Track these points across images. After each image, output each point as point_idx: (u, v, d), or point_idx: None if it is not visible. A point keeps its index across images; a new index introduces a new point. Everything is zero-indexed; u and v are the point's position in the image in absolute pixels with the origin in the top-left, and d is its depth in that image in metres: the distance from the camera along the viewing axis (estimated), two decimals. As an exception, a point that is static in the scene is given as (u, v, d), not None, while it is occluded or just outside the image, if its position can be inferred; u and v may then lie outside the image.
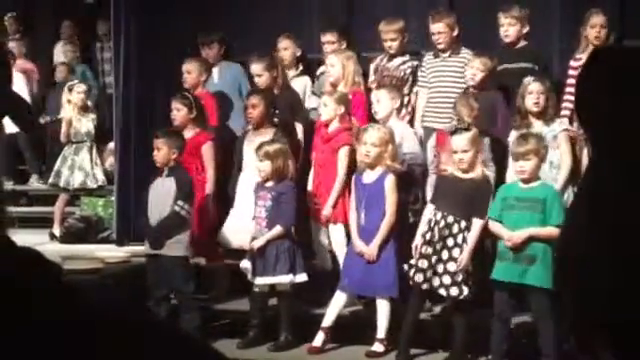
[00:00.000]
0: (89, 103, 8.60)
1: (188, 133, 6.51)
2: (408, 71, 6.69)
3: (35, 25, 11.28)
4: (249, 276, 5.88)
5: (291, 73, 7.07)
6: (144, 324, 0.92)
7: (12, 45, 10.24)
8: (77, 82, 8.76)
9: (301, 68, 7.18)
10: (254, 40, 7.36)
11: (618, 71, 1.79)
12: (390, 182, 5.63)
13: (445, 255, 5.39)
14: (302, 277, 5.79)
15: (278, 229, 5.79)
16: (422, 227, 5.54)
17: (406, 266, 5.50)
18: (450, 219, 5.40)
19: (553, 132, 5.81)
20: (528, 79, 5.93)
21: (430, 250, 5.43)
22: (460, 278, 5.35)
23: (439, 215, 5.43)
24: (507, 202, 5.34)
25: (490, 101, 6.12)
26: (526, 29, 6.42)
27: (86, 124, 8.39)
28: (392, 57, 6.72)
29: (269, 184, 5.88)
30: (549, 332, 5.13)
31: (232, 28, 7.61)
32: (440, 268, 5.37)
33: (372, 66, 6.79)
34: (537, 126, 5.81)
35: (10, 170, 9.43)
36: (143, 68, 7.83)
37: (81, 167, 8.31)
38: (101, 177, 8.35)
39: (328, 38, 6.95)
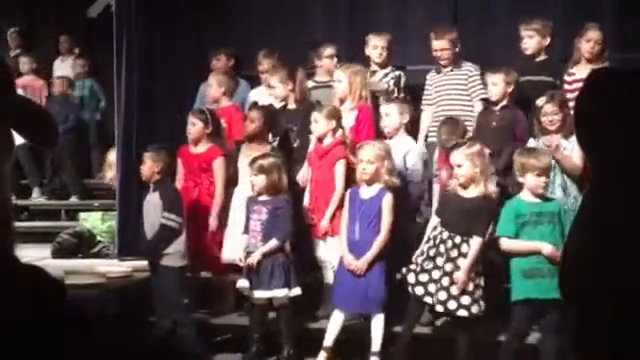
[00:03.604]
0: None
1: (202, 147, 6.55)
2: (392, 82, 6.73)
3: (37, 40, 11.32)
4: (246, 293, 5.89)
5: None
6: (144, 342, 0.92)
7: (24, 60, 10.29)
8: None
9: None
10: (257, 55, 7.39)
11: (619, 96, 1.77)
12: (388, 201, 5.65)
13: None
14: (296, 291, 5.78)
15: (274, 242, 5.78)
16: (425, 240, 5.53)
17: (404, 270, 5.48)
18: (457, 239, 5.37)
19: (572, 144, 5.69)
20: (541, 100, 5.90)
21: (431, 265, 5.41)
22: (467, 294, 5.31)
23: (445, 234, 5.40)
24: (525, 219, 5.24)
25: (510, 116, 6.13)
26: (547, 42, 6.38)
27: None
28: (374, 72, 6.75)
29: (263, 198, 5.88)
30: (553, 348, 5.10)
31: (239, 42, 7.63)
32: (454, 290, 5.32)
33: None
34: (556, 139, 5.76)
35: (13, 184, 9.43)
36: (145, 83, 7.84)
37: None
38: None
39: (329, 51, 6.97)
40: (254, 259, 5.77)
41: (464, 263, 5.31)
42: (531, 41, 6.39)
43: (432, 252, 5.43)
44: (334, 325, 5.73)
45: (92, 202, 9.31)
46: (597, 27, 6.26)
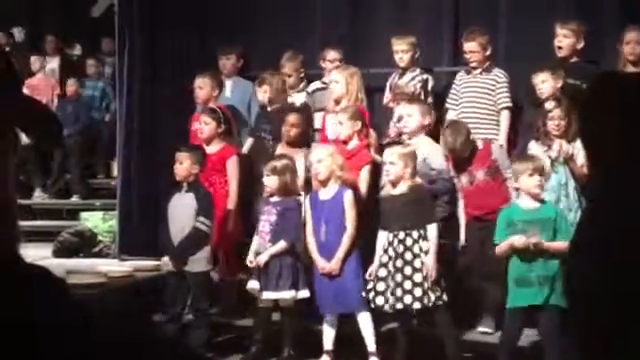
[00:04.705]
0: None
1: (214, 147, 6.51)
2: (418, 86, 6.67)
3: (41, 40, 11.34)
4: (256, 294, 5.86)
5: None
6: (145, 340, 0.92)
7: (33, 60, 10.31)
8: None
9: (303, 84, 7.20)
10: (259, 56, 7.40)
11: (622, 100, 1.76)
12: (349, 197, 5.66)
13: (408, 271, 5.39)
14: (304, 293, 5.77)
15: (282, 244, 5.78)
16: (378, 252, 5.57)
17: (364, 293, 5.53)
18: (401, 235, 5.44)
19: (577, 149, 5.62)
20: (549, 104, 5.87)
21: (385, 272, 5.45)
22: (427, 286, 5.35)
23: (390, 236, 5.48)
24: (517, 228, 5.20)
25: (534, 117, 6.12)
26: (581, 44, 6.25)
27: None
28: (402, 74, 6.70)
29: (274, 199, 5.88)
30: (557, 350, 5.11)
31: (242, 43, 7.62)
32: (407, 285, 5.38)
33: (387, 84, 6.77)
34: (564, 145, 5.70)
35: (16, 184, 9.41)
36: (146, 84, 7.85)
37: None
38: None
39: (333, 55, 6.95)
40: (261, 260, 5.77)
41: (430, 251, 5.37)
42: (566, 40, 6.24)
43: (384, 259, 5.48)
44: (329, 330, 5.74)
45: (93, 202, 9.32)
46: (635, 28, 6.12)
